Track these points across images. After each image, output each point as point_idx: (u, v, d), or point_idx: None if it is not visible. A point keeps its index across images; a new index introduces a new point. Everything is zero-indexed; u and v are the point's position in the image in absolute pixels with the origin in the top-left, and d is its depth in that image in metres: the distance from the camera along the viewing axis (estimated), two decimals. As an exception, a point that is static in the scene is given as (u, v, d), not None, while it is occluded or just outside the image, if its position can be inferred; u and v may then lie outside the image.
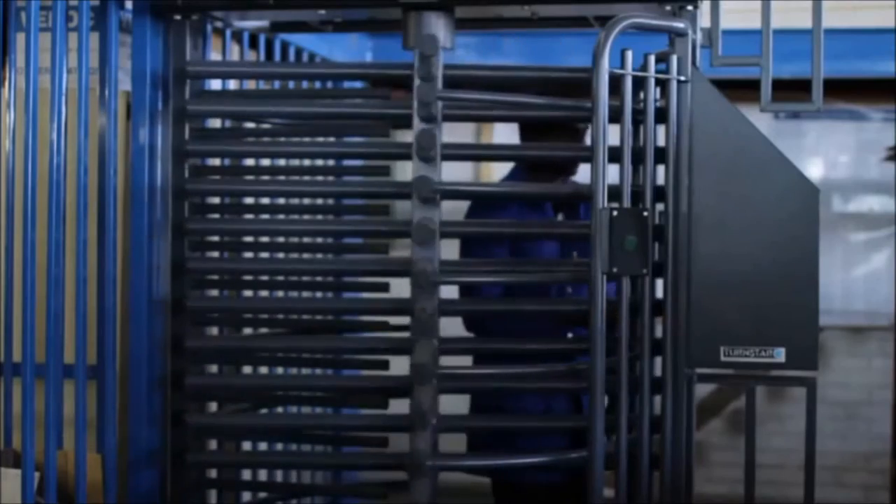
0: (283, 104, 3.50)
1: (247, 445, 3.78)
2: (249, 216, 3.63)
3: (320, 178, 3.94)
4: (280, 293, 3.84)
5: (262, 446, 3.64)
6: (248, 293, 3.76)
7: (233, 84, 3.94)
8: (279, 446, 3.57)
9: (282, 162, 3.69)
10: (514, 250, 3.46)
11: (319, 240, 3.60)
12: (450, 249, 3.27)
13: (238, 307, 3.58)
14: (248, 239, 3.56)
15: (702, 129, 2.93)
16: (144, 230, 3.29)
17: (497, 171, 5.65)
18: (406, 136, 3.21)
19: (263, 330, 3.59)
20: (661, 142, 2.98)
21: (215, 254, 3.54)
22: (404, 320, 3.27)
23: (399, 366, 3.32)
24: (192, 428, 3.33)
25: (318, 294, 3.93)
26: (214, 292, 3.62)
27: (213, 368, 3.60)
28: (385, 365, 3.48)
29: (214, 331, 3.64)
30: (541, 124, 3.50)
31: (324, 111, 3.47)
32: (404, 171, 3.27)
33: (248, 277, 3.59)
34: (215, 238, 3.53)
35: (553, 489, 3.49)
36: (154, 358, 3.32)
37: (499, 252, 3.44)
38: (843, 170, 6.45)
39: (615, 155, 2.89)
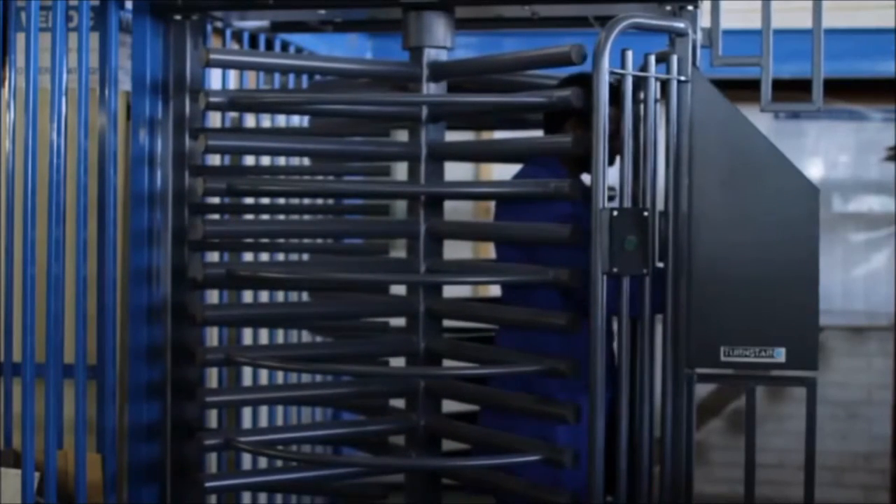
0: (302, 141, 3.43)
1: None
2: (249, 217, 3.63)
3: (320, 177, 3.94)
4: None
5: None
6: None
7: (233, 83, 3.94)
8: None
9: (281, 161, 3.68)
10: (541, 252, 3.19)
11: (319, 241, 3.59)
12: (451, 251, 3.27)
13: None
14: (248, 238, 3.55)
15: (702, 129, 2.93)
16: (144, 232, 3.29)
17: (497, 170, 5.64)
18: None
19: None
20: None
21: (215, 255, 3.53)
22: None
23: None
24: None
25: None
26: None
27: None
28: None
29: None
30: (558, 114, 3.31)
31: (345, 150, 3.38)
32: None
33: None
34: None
35: None
36: (154, 361, 3.32)
37: (513, 255, 3.26)
38: (843, 170, 6.45)
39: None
